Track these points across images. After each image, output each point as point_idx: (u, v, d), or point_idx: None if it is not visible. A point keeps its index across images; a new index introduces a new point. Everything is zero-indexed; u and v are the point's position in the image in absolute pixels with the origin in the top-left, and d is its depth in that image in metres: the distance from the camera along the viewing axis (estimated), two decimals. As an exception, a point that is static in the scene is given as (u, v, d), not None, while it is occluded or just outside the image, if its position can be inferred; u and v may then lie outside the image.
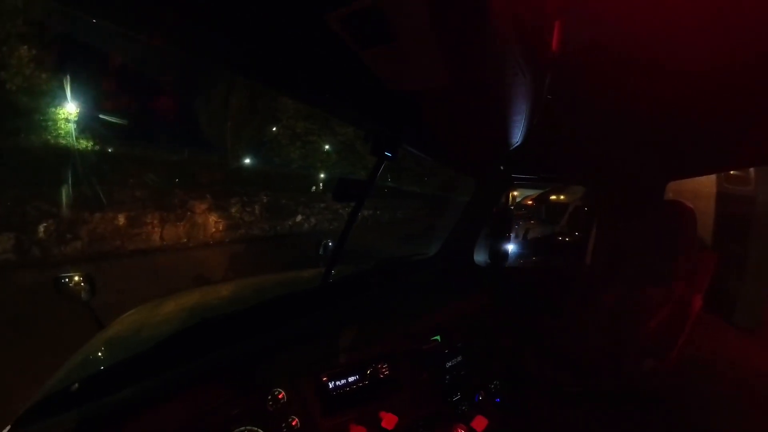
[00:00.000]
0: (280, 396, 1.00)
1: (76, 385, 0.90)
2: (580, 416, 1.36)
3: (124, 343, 1.35)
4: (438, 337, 1.39)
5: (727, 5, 0.50)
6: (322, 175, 16.37)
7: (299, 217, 14.27)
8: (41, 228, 7.79)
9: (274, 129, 15.91)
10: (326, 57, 0.78)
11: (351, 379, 1.15)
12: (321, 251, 2.01)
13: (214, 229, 11.31)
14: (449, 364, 1.39)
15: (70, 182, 8.44)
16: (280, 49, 0.74)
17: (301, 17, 0.63)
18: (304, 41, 0.71)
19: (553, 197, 7.23)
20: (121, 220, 9.17)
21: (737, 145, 1.04)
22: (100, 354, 1.29)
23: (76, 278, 1.42)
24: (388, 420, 1.11)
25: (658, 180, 1.55)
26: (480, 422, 1.24)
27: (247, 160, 15.61)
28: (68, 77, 9.90)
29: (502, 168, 1.80)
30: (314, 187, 15.81)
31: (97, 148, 10.72)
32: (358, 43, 0.70)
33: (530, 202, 7.89)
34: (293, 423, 0.99)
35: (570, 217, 5.12)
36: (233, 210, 11.94)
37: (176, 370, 0.96)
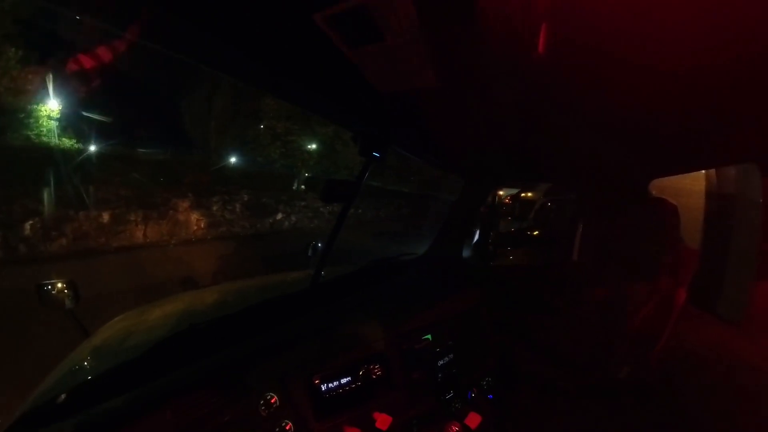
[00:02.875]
0: (272, 400, 0.99)
1: (64, 395, 0.88)
2: (570, 410, 1.38)
3: (111, 351, 1.32)
4: (429, 336, 1.39)
5: (712, 6, 0.50)
6: (307, 174, 16.27)
7: (280, 215, 14.26)
8: (27, 225, 7.89)
9: (260, 127, 15.77)
10: (314, 57, 0.77)
11: (343, 380, 1.14)
12: (309, 253, 1.98)
13: (195, 227, 11.36)
14: (441, 362, 1.39)
15: (55, 181, 8.48)
16: (268, 49, 0.74)
17: (289, 17, 0.62)
18: (292, 41, 0.70)
19: (523, 194, 7.34)
20: (106, 217, 9.22)
21: (719, 143, 1.06)
22: (86, 363, 1.26)
23: (59, 285, 1.36)
24: (382, 420, 1.11)
25: (642, 178, 1.57)
26: (473, 419, 1.25)
27: (231, 159, 15.45)
28: (52, 76, 9.86)
29: (490, 166, 1.81)
30: (295, 186, 15.69)
31: (81, 147, 10.70)
32: (346, 42, 0.69)
33: (508, 200, 7.98)
34: (287, 427, 0.99)
35: (536, 213, 5.21)
36: (215, 208, 12.01)
37: (166, 377, 0.94)
